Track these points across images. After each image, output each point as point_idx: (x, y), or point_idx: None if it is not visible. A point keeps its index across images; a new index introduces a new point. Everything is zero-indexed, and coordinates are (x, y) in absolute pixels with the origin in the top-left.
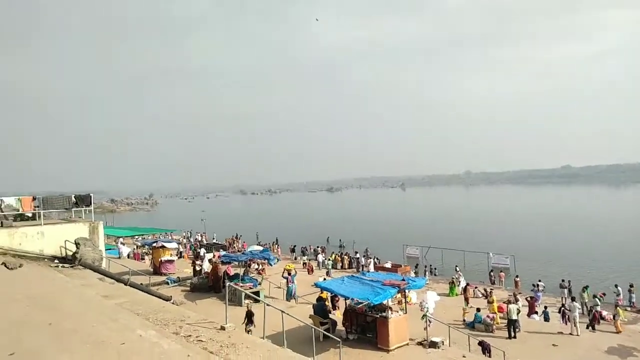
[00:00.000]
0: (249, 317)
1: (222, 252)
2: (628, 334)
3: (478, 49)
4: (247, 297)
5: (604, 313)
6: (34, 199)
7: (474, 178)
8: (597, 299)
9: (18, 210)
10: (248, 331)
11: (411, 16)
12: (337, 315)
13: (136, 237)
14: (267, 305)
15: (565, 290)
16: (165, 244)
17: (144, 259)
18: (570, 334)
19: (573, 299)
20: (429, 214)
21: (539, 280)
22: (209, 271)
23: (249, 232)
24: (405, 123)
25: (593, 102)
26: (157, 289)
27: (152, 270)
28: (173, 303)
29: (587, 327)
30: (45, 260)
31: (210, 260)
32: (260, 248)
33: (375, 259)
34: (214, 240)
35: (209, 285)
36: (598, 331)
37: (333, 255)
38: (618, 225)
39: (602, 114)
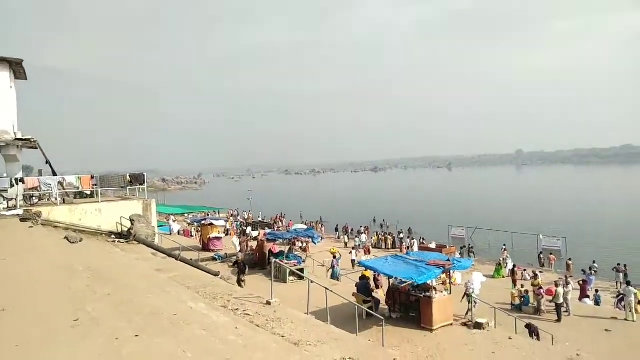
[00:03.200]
0: (241, 269)
1: (268, 230)
2: None
3: (535, 22)
4: (292, 273)
5: None
6: (92, 177)
7: (526, 158)
8: None
9: (78, 188)
10: (240, 282)
11: None
12: (380, 294)
13: (186, 214)
14: (312, 282)
15: (621, 275)
16: (214, 222)
17: (193, 235)
18: (625, 319)
19: (629, 283)
20: (475, 194)
21: (594, 262)
22: (255, 248)
23: (294, 211)
24: (454, 101)
25: None
26: (205, 264)
27: (200, 246)
28: (221, 278)
29: None
30: (103, 235)
31: (256, 238)
32: (305, 227)
33: (421, 240)
34: (260, 219)
35: (254, 261)
36: None
37: (376, 235)
38: None
39: None
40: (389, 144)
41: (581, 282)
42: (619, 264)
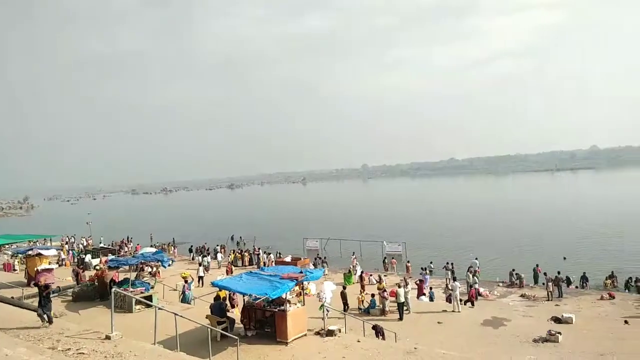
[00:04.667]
0: (41, 294)
1: (110, 257)
2: (500, 307)
3: (377, 48)
4: (139, 302)
5: (481, 289)
6: None
7: (371, 171)
8: (475, 278)
9: None
10: (42, 316)
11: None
12: (236, 313)
13: (7, 245)
14: (160, 309)
15: (449, 272)
16: (42, 252)
17: (16, 269)
18: (453, 311)
19: (455, 279)
20: (327, 207)
21: (431, 262)
22: (94, 278)
23: (143, 234)
24: (306, 118)
25: (476, 100)
26: (32, 301)
27: (26, 281)
28: (53, 315)
29: (465, 304)
30: None
31: (96, 267)
32: (154, 250)
33: (277, 254)
34: (101, 245)
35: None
36: (477, 306)
37: (233, 253)
38: (495, 210)
39: (483, 111)
40: (244, 160)
41: (418, 282)
42: (447, 263)
